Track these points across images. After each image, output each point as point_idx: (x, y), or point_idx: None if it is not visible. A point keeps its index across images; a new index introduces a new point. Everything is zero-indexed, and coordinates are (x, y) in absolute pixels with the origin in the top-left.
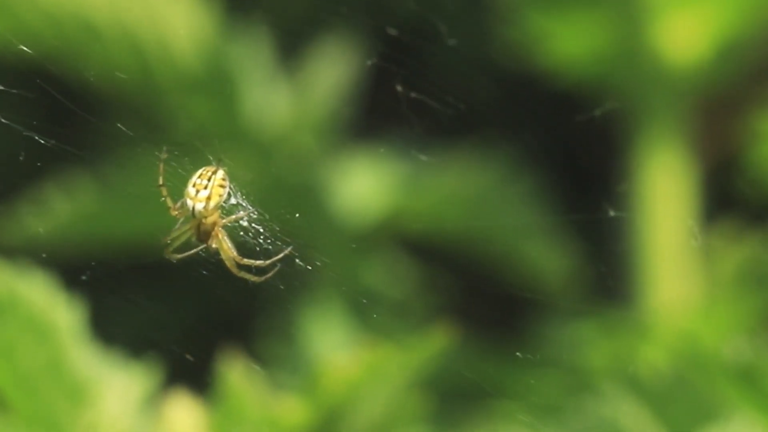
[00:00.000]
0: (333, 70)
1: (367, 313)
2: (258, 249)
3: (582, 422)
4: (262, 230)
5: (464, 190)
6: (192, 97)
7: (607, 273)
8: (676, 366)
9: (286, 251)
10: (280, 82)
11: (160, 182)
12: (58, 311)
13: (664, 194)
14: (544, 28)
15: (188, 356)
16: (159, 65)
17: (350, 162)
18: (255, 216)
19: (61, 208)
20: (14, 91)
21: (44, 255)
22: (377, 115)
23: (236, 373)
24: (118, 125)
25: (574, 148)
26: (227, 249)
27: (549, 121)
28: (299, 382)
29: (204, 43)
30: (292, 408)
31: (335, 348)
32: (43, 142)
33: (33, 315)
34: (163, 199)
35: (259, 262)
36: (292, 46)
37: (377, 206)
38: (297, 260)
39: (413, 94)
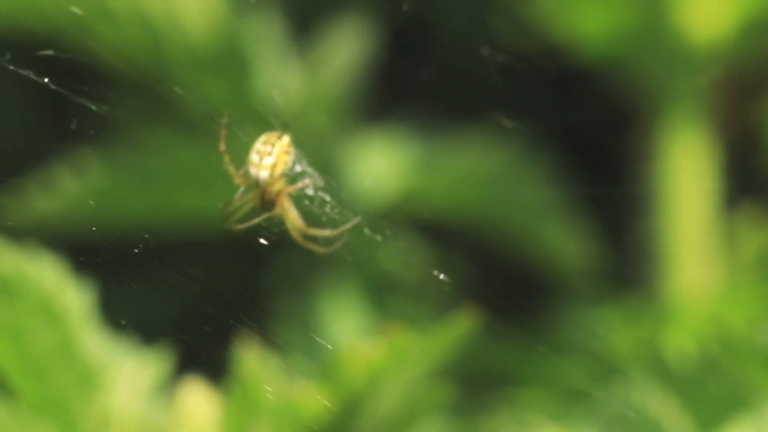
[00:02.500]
0: (347, 49)
1: (383, 296)
2: (324, 218)
3: (609, 410)
4: (328, 199)
5: (480, 171)
6: (204, 75)
7: (628, 256)
8: (704, 351)
9: (355, 221)
10: (293, 61)
11: (222, 148)
12: (68, 294)
13: (685, 176)
14: (563, 4)
15: (202, 342)
16: (171, 43)
17: (364, 141)
18: (321, 184)
19: (68, 187)
20: (23, 71)
21: (53, 236)
22: (392, 94)
23: (252, 360)
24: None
25: (594, 129)
26: (293, 218)
27: (568, 100)
28: (318, 369)
29: (216, 21)
30: (311, 395)
31: (351, 333)
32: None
33: (42, 297)
34: (225, 166)
35: (327, 232)
36: (305, 23)
37: (392, 187)
38: (366, 230)
39: (427, 74)
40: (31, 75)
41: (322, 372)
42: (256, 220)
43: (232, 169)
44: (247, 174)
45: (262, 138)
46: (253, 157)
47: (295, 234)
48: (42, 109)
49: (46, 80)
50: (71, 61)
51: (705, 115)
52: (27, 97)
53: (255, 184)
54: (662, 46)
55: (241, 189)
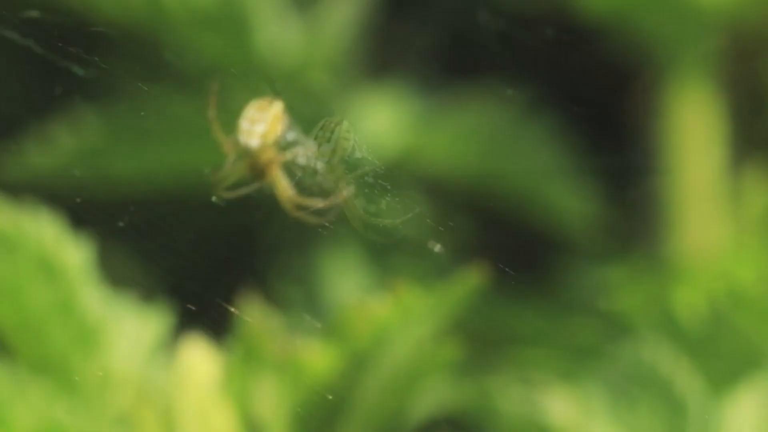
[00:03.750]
0: (348, 5)
1: (384, 254)
2: (316, 189)
3: (618, 368)
4: (319, 168)
5: (481, 127)
6: (203, 32)
7: (634, 215)
8: (715, 308)
9: (347, 192)
10: (293, 17)
11: (211, 115)
12: (66, 250)
13: (692, 134)
14: None
15: (203, 299)
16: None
17: (365, 99)
18: (313, 153)
19: (65, 144)
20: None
21: (51, 192)
22: (391, 55)
23: (255, 317)
24: None
25: (598, 87)
26: (284, 188)
27: (572, 58)
28: (322, 326)
29: None
30: (315, 353)
31: (352, 290)
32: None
33: (41, 254)
34: (213, 134)
35: (319, 203)
36: None
37: (393, 144)
38: (361, 198)
39: (425, 36)
40: (16, 37)
41: (328, 329)
42: (246, 190)
43: (221, 137)
44: (236, 142)
45: (253, 104)
46: (244, 124)
47: (286, 205)
48: (30, 71)
49: (30, 43)
50: (59, 22)
51: (712, 74)
52: (14, 59)
53: (245, 153)
54: (669, 4)
55: (231, 157)
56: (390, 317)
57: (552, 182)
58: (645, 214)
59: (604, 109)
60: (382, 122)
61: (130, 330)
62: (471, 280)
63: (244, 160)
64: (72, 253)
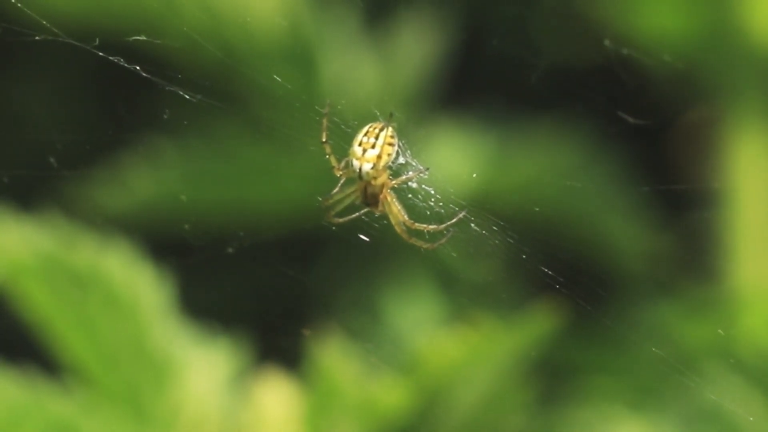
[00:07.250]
0: (421, 40)
1: (453, 290)
2: (428, 213)
3: (684, 404)
4: (432, 192)
5: (553, 168)
6: (272, 66)
7: (693, 247)
8: None
9: (460, 215)
10: (366, 52)
11: (323, 139)
12: (141, 286)
13: (753, 170)
14: (633, 8)
15: (277, 331)
16: (238, 34)
17: (437, 134)
18: (426, 176)
19: (144, 186)
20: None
21: (129, 228)
22: (465, 87)
23: (331, 352)
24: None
25: (662, 127)
26: (397, 213)
27: (635, 99)
28: (396, 361)
29: (286, 12)
30: (390, 390)
31: (419, 321)
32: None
33: (115, 290)
34: (327, 157)
35: (432, 227)
36: (379, 14)
37: (464, 180)
38: (472, 224)
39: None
40: (121, 62)
41: (402, 365)
42: (356, 215)
43: (333, 161)
44: (349, 166)
45: (364, 129)
46: (356, 149)
47: (398, 229)
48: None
49: (137, 67)
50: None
51: None
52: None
53: (358, 178)
54: (731, 48)
55: (341, 182)
56: (465, 355)
57: (618, 219)
58: (705, 246)
59: (667, 147)
60: (454, 157)
61: (203, 365)
62: (546, 317)
63: (356, 185)
64: (146, 290)
